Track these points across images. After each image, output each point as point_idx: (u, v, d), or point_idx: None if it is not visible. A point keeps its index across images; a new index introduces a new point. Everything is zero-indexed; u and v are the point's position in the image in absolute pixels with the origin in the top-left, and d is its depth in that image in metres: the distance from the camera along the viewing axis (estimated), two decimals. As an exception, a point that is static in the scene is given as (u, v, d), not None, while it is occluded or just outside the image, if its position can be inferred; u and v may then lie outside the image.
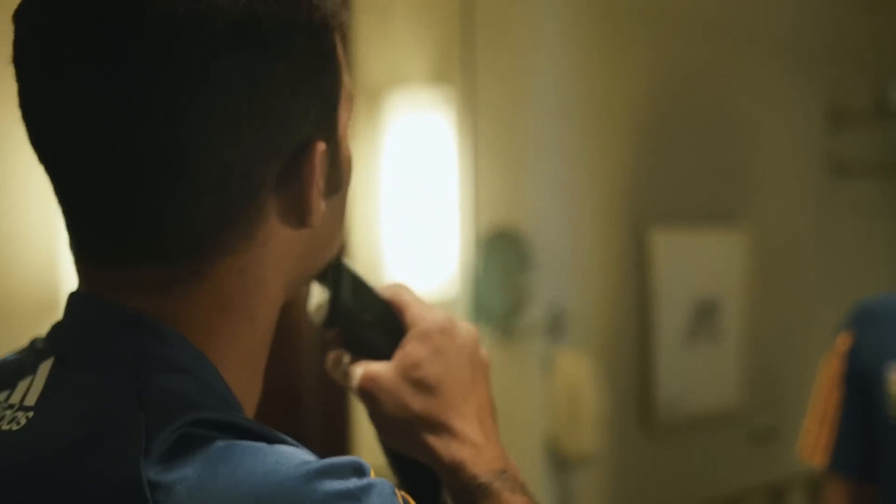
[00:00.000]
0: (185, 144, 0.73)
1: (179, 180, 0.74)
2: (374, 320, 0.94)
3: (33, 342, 0.83)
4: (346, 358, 0.95)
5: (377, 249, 2.45)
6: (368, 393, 0.92)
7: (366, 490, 0.70)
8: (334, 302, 0.91)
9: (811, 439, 2.15)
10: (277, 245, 0.79)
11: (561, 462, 2.84)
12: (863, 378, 2.04)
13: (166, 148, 0.73)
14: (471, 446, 0.90)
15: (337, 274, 0.91)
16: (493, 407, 0.96)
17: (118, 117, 0.73)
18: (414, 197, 2.47)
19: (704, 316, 3.26)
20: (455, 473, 0.90)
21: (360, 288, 0.94)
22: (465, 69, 2.43)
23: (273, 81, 0.75)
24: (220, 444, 0.70)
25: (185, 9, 0.72)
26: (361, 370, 0.93)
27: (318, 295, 0.91)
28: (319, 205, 0.79)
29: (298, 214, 0.79)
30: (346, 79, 0.83)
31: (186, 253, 0.77)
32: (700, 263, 3.28)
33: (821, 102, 3.63)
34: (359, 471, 0.71)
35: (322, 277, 0.91)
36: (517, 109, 2.78)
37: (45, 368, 0.78)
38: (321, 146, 0.78)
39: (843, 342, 2.09)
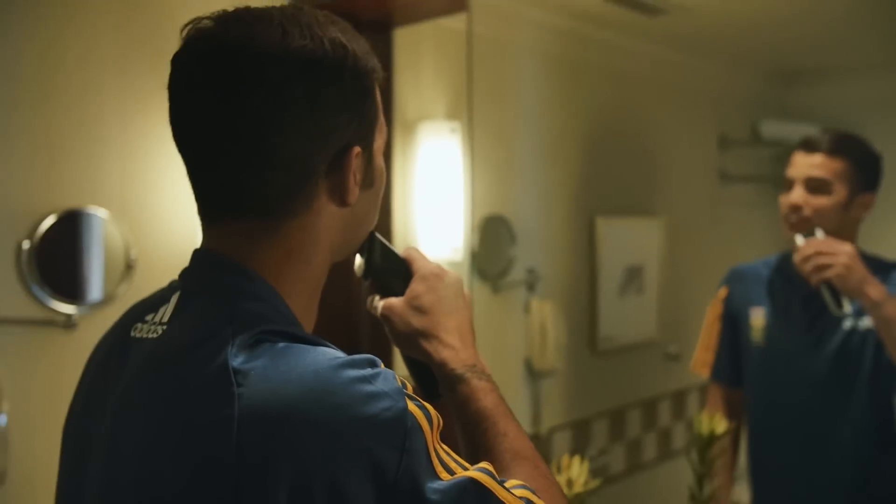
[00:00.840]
0: (268, 143, 0.77)
1: (264, 166, 0.77)
2: (395, 271, 0.95)
3: (171, 282, 0.86)
4: (377, 298, 0.96)
5: (411, 228, 2.44)
6: (386, 317, 0.93)
7: (376, 376, 0.72)
8: (368, 261, 0.93)
9: (700, 359, 2.17)
10: (327, 216, 0.82)
11: (534, 374, 2.83)
12: (735, 317, 2.06)
13: (257, 145, 0.77)
14: (451, 349, 0.90)
15: (371, 242, 0.92)
16: (471, 325, 0.95)
17: (228, 127, 0.77)
18: (435, 193, 2.46)
19: (632, 276, 3.25)
20: (441, 368, 0.90)
21: (386, 251, 0.94)
22: (469, 108, 2.44)
23: (327, 102, 0.78)
24: (281, 345, 0.73)
25: (269, 49, 0.76)
26: (383, 303, 0.94)
27: (358, 259, 0.93)
28: (355, 191, 0.82)
29: (340, 195, 0.82)
30: (380, 114, 0.86)
31: (266, 214, 0.80)
32: (630, 240, 3.26)
33: (713, 132, 3.61)
34: (372, 363, 0.74)
35: (361, 248, 0.92)
36: (504, 135, 2.76)
37: (174, 298, 0.81)
38: (357, 149, 0.81)
39: (721, 293, 2.12)
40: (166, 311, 0.81)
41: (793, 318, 1.93)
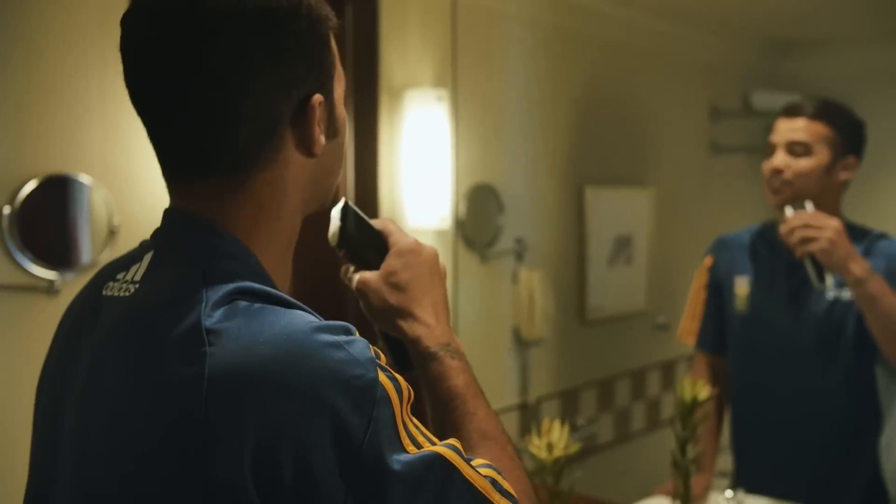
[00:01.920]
0: (229, 98, 0.76)
1: (228, 121, 0.76)
2: (369, 243, 0.93)
3: (143, 242, 0.85)
4: (351, 268, 0.94)
5: (398, 196, 2.44)
6: (362, 292, 0.92)
7: (349, 343, 0.72)
8: (342, 231, 0.91)
9: (685, 327, 2.17)
10: (294, 167, 0.81)
11: (522, 343, 2.84)
12: (719, 286, 2.06)
13: (219, 101, 0.76)
14: (425, 326, 0.89)
15: (345, 211, 0.91)
16: (446, 301, 0.94)
17: (186, 84, 0.76)
18: (421, 161, 2.45)
19: (622, 247, 3.25)
20: (415, 345, 0.89)
21: (360, 221, 0.93)
22: (454, 76, 2.43)
23: (286, 53, 0.77)
24: (256, 306, 0.72)
25: (223, 3, 0.75)
26: (357, 277, 0.92)
27: (333, 226, 0.91)
28: (321, 140, 0.81)
29: (307, 145, 0.81)
30: (337, 63, 0.85)
31: (233, 169, 0.79)
32: (619, 211, 3.25)
33: (704, 103, 3.59)
34: (347, 331, 0.73)
35: (336, 217, 0.91)
36: (492, 103, 2.75)
37: (147, 258, 0.81)
38: (319, 98, 0.80)
39: (707, 262, 2.12)
40: (138, 270, 0.80)
41: (777, 286, 1.93)
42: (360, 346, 0.72)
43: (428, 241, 2.72)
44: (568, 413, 2.99)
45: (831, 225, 1.68)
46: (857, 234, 1.82)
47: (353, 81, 2.25)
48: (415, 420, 0.75)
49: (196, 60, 0.75)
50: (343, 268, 0.97)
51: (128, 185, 1.89)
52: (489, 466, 0.78)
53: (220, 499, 0.67)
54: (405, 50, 2.45)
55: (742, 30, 3.54)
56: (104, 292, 0.83)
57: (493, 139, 2.75)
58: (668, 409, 3.45)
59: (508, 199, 2.77)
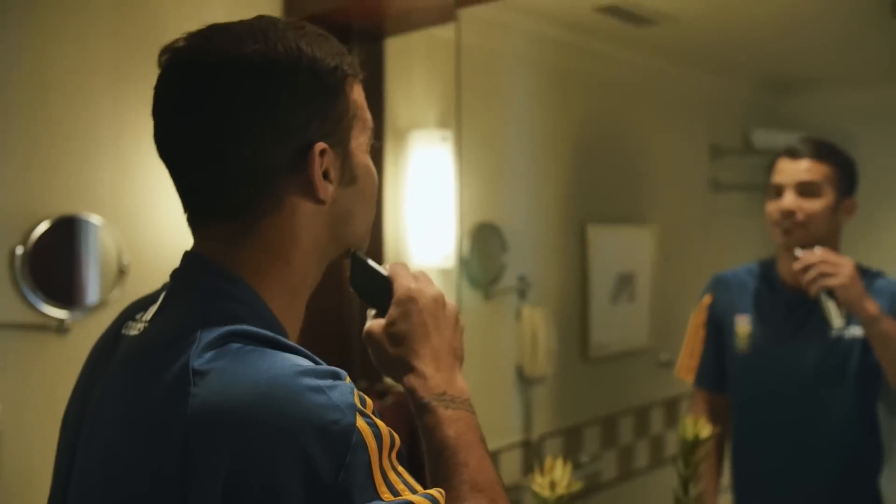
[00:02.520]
0: (222, 146, 0.80)
1: (223, 169, 0.81)
2: (378, 290, 0.94)
3: (166, 283, 0.88)
4: (371, 313, 0.96)
5: (403, 235, 2.47)
6: (366, 342, 0.93)
7: (332, 387, 0.73)
8: (352, 278, 0.94)
9: (684, 364, 2.18)
10: (303, 214, 0.84)
11: (525, 380, 2.84)
12: (719, 324, 2.08)
13: (212, 150, 0.80)
14: (421, 378, 0.89)
15: (353, 260, 0.93)
16: (452, 345, 0.93)
17: (187, 136, 0.81)
18: (426, 200, 2.48)
19: (624, 284, 3.26)
20: (411, 396, 0.89)
21: (366, 269, 0.94)
22: (458, 117, 2.46)
23: (280, 102, 0.80)
24: (248, 348, 0.74)
25: (221, 57, 0.80)
26: (365, 327, 0.94)
27: (348, 273, 0.94)
28: (326, 187, 0.84)
29: (312, 192, 0.83)
30: (360, 112, 0.88)
31: (241, 214, 0.82)
32: (621, 249, 3.27)
33: (705, 141, 3.62)
34: (335, 375, 0.75)
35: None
36: (496, 143, 2.79)
37: (161, 299, 0.84)
38: (322, 146, 0.82)
39: (705, 300, 2.14)
40: (152, 310, 0.84)
41: (778, 326, 1.95)
42: (342, 391, 0.73)
43: (432, 279, 2.74)
44: (571, 450, 2.98)
45: (847, 262, 1.71)
46: (863, 278, 1.85)
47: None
48: (399, 468, 0.75)
49: (200, 109, 0.80)
50: (367, 311, 0.98)
51: (137, 226, 1.93)
52: None
53: None
54: (410, 91, 2.50)
55: (742, 69, 3.59)
56: (123, 331, 0.86)
57: (497, 179, 2.79)
58: (671, 446, 3.44)
59: (511, 238, 2.80)
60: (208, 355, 0.73)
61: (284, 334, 0.83)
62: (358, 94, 0.88)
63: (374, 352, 0.93)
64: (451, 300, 0.96)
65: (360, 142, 0.89)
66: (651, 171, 3.40)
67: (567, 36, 2.90)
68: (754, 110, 3.82)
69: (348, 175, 0.87)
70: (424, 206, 2.48)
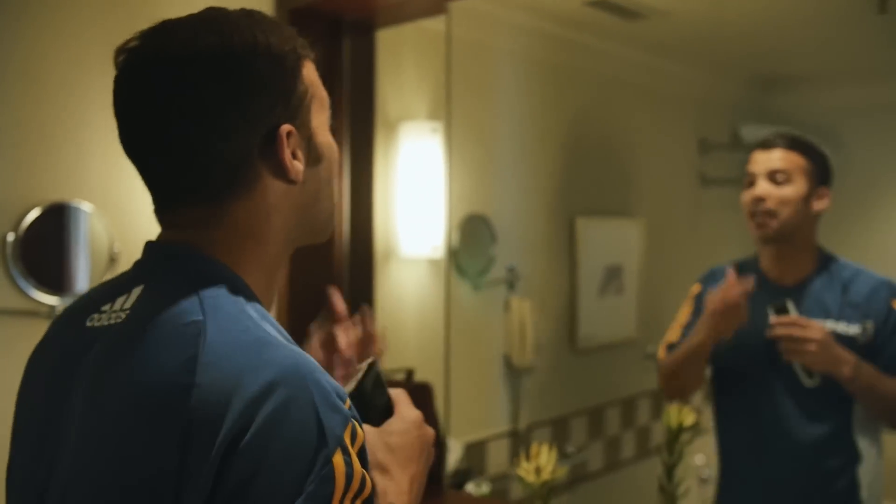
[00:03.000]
0: (191, 136, 0.82)
1: (199, 155, 0.83)
2: (378, 403, 0.96)
3: (120, 275, 0.90)
4: None
5: (392, 226, 2.49)
6: None
7: (332, 409, 0.75)
8: (360, 384, 0.94)
9: (663, 345, 2.19)
10: (274, 194, 0.86)
11: (513, 370, 2.87)
12: (700, 314, 2.09)
13: (182, 140, 0.83)
14: (397, 486, 0.89)
15: (370, 367, 0.95)
16: (423, 481, 0.95)
17: (159, 126, 0.83)
18: (416, 192, 2.50)
19: (612, 276, 3.29)
20: (382, 497, 0.88)
21: (378, 382, 0.96)
22: (448, 109, 2.48)
23: (242, 89, 0.83)
24: (258, 335, 0.77)
25: (179, 52, 0.82)
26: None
27: (356, 376, 0.95)
28: (297, 167, 0.86)
29: (282, 173, 0.86)
30: (317, 91, 0.90)
31: (213, 198, 0.84)
32: (610, 241, 3.31)
33: (694, 136, 3.66)
34: (340, 397, 0.77)
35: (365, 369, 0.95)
36: (486, 135, 2.81)
37: (136, 289, 0.84)
38: (287, 128, 0.85)
39: (694, 289, 2.16)
40: (127, 300, 0.84)
41: (762, 318, 1.96)
42: (340, 419, 0.74)
43: (421, 270, 2.77)
44: (558, 440, 3.01)
45: (815, 334, 1.76)
46: (831, 264, 1.92)
47: (350, 114, 2.31)
48: None
49: (165, 105, 0.82)
50: None
51: (128, 213, 1.94)
52: None
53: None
54: (400, 83, 2.51)
55: (731, 66, 3.62)
56: (88, 324, 0.86)
57: (487, 171, 2.80)
58: (657, 437, 3.47)
59: (501, 229, 2.82)
60: (217, 337, 0.75)
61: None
62: (313, 73, 0.90)
63: None
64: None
65: (320, 120, 0.91)
66: (640, 165, 3.42)
67: (557, 29, 2.92)
68: (743, 106, 3.86)
69: (314, 154, 0.90)
70: (414, 198, 2.49)
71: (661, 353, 2.17)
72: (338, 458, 0.72)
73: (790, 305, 1.83)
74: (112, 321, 0.83)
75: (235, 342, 0.75)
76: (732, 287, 1.88)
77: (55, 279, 1.83)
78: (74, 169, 1.88)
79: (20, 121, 1.81)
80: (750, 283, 1.88)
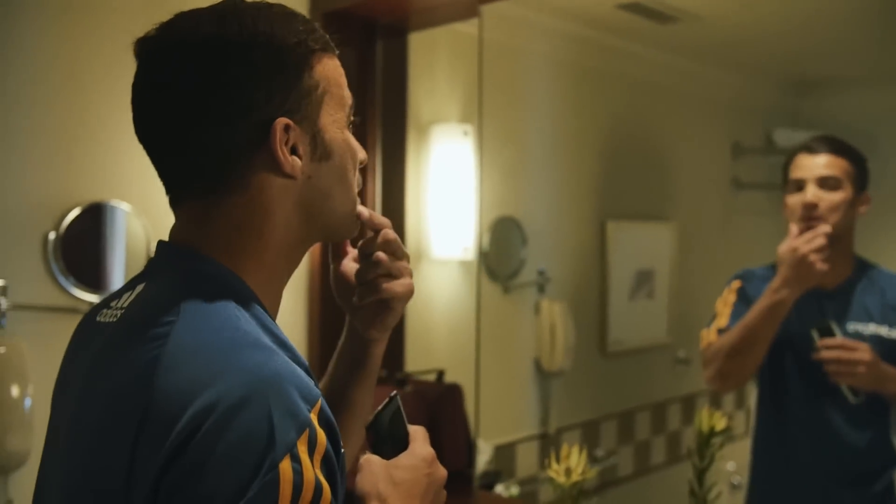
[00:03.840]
0: (181, 126, 0.83)
1: (190, 146, 0.83)
2: (394, 437, 0.92)
3: (140, 273, 0.91)
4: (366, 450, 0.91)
5: (424, 228, 2.51)
6: (361, 466, 0.86)
7: (287, 413, 0.72)
8: (378, 416, 0.90)
9: (711, 331, 2.15)
10: (273, 190, 0.84)
11: (543, 374, 2.87)
12: (749, 303, 2.07)
13: (172, 130, 0.83)
14: None
15: (390, 401, 0.91)
16: (408, 491, 0.88)
17: (153, 116, 0.85)
18: (447, 194, 2.51)
19: (643, 280, 3.28)
20: None
21: (398, 416, 0.92)
22: (479, 111, 2.49)
23: (235, 80, 0.81)
24: (226, 334, 0.76)
25: (178, 41, 0.83)
26: (365, 455, 0.88)
27: (375, 408, 0.92)
28: (291, 161, 0.83)
29: (278, 168, 0.83)
30: (332, 87, 0.88)
31: (210, 192, 0.83)
32: (641, 245, 3.29)
33: (727, 140, 3.63)
34: (307, 395, 0.74)
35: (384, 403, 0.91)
36: (517, 138, 2.81)
37: (140, 286, 0.85)
38: (283, 121, 0.82)
39: (735, 284, 2.13)
40: (128, 298, 0.85)
41: (801, 315, 1.95)
42: (292, 424, 0.71)
43: (452, 271, 2.77)
44: (588, 444, 3.00)
45: (864, 357, 1.76)
46: (868, 268, 1.92)
47: (382, 117, 2.33)
48: None
49: (160, 93, 0.83)
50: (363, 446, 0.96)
51: (165, 213, 1.93)
52: None
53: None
54: (433, 86, 2.53)
55: (764, 69, 3.59)
56: (98, 319, 0.87)
57: (518, 173, 2.81)
58: (688, 442, 3.45)
59: (531, 232, 2.82)
60: (183, 334, 0.75)
61: (265, 309, 0.84)
62: (329, 70, 0.88)
63: (363, 476, 0.87)
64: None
65: (334, 118, 0.88)
66: (672, 169, 3.41)
67: (589, 33, 2.92)
68: (776, 109, 3.82)
69: (321, 150, 0.87)
70: (445, 200, 2.51)
71: (711, 337, 2.12)
72: (285, 465, 0.69)
73: (834, 326, 1.83)
74: (111, 318, 0.84)
75: (202, 345, 0.74)
76: (798, 240, 1.83)
77: (94, 277, 1.87)
78: (113, 170, 1.91)
79: (61, 123, 1.85)
80: (820, 237, 1.81)
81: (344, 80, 0.90)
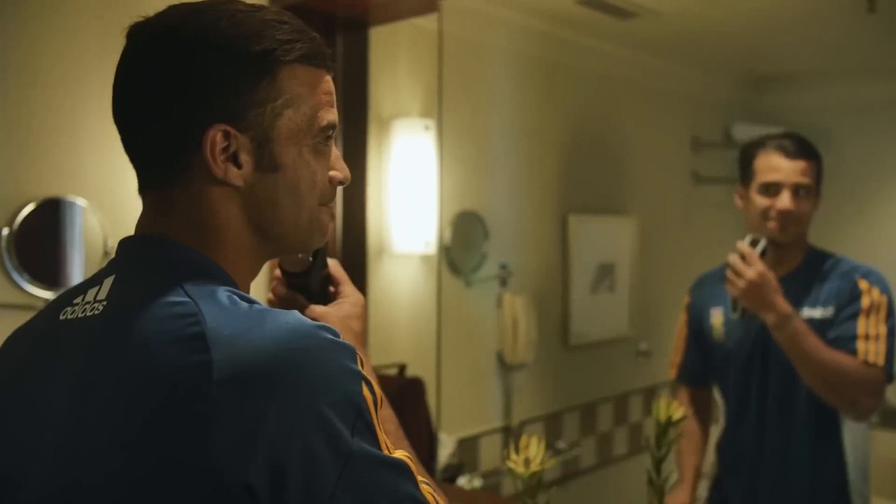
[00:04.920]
0: (129, 119, 0.85)
1: (144, 137, 0.85)
2: (324, 289, 1.04)
3: (94, 274, 0.89)
4: (299, 298, 1.03)
5: (385, 222, 2.51)
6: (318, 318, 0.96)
7: (343, 347, 0.78)
8: (309, 274, 1.01)
9: (671, 361, 2.23)
10: (214, 193, 0.84)
11: (506, 367, 2.89)
12: (698, 320, 2.12)
13: (123, 122, 0.86)
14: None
15: (315, 258, 1.01)
16: (364, 338, 1.03)
17: (117, 106, 0.86)
18: (408, 189, 2.51)
19: (604, 274, 3.31)
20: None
21: (325, 270, 1.04)
22: (439, 106, 2.50)
23: (180, 80, 0.82)
24: (250, 306, 0.78)
25: (143, 34, 0.85)
26: (312, 309, 1.01)
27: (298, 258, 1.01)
28: (225, 167, 0.83)
29: (210, 172, 0.83)
30: (300, 103, 0.86)
31: (164, 184, 0.85)
32: (602, 239, 3.32)
33: (686, 134, 3.69)
34: (336, 334, 0.79)
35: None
36: (478, 133, 2.82)
37: (108, 280, 0.83)
38: (221, 126, 0.82)
39: (685, 300, 2.19)
40: (100, 291, 0.83)
41: (748, 314, 1.99)
42: (349, 352, 0.77)
43: (414, 266, 2.78)
44: (551, 436, 3.03)
45: (748, 275, 1.79)
46: (817, 257, 1.95)
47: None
48: (380, 425, 0.79)
49: (124, 77, 0.85)
50: (284, 289, 1.04)
51: (122, 209, 1.95)
52: (426, 483, 0.82)
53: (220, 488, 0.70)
54: (394, 81, 2.53)
55: (723, 64, 3.64)
56: (62, 317, 0.85)
57: (479, 168, 2.82)
58: (649, 433, 3.48)
59: (493, 226, 2.83)
60: (212, 317, 0.75)
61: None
62: (302, 84, 0.86)
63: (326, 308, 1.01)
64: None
65: (293, 133, 0.86)
66: (632, 163, 3.44)
67: (549, 27, 2.93)
68: (735, 104, 3.88)
69: (267, 161, 0.85)
70: (407, 194, 2.51)
71: (672, 373, 2.21)
72: (365, 390, 0.76)
73: (763, 242, 1.86)
74: (89, 313, 0.82)
75: (232, 315, 0.75)
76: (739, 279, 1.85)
77: (49, 273, 1.85)
78: (69, 164, 1.89)
79: (15, 116, 1.82)
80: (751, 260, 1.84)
81: (326, 98, 0.88)
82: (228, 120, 0.82)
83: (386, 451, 0.76)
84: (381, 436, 0.77)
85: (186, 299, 0.76)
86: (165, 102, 0.82)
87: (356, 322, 1.00)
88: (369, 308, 2.42)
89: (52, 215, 1.85)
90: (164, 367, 0.73)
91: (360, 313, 1.02)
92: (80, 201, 1.88)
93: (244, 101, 0.82)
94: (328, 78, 0.89)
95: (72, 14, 1.89)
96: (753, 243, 1.86)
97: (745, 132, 3.62)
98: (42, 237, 1.84)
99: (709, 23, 2.95)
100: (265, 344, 0.73)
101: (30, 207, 1.81)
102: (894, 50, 3.08)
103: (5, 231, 1.78)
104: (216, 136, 0.81)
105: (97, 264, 1.89)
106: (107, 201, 1.93)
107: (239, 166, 0.83)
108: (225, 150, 0.82)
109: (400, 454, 0.78)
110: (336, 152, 0.94)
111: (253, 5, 0.86)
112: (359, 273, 2.40)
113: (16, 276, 1.79)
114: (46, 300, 1.82)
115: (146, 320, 0.76)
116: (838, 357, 1.78)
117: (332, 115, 0.89)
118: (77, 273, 1.88)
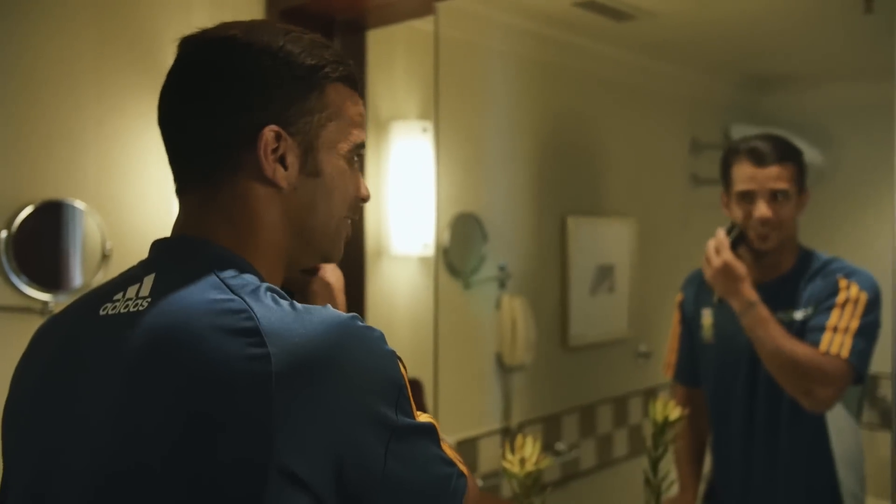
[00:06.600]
0: (180, 118, 0.89)
1: (191, 135, 0.89)
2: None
3: (127, 270, 0.92)
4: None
5: (384, 224, 2.52)
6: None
7: (378, 334, 0.85)
8: None
9: (666, 360, 2.24)
10: (259, 192, 0.89)
11: (505, 368, 2.89)
12: (690, 319, 2.14)
13: (175, 122, 0.90)
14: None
15: None
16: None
17: (167, 104, 0.91)
18: (406, 191, 2.52)
19: (603, 275, 3.31)
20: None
21: None
22: (436, 108, 2.50)
23: (234, 82, 0.88)
24: (298, 305, 0.82)
25: (198, 42, 0.91)
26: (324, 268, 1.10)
27: None
28: (275, 167, 0.88)
29: (260, 172, 0.88)
30: (341, 118, 0.92)
31: (208, 183, 0.89)
32: (601, 241, 3.32)
33: (685, 136, 3.67)
34: (370, 328, 0.85)
35: None
36: (477, 135, 2.83)
37: (149, 278, 0.85)
38: (273, 127, 0.87)
39: (678, 298, 2.20)
40: (141, 288, 0.85)
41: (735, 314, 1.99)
42: (382, 336, 0.84)
43: (412, 268, 2.78)
44: (550, 438, 3.03)
45: (714, 263, 1.85)
46: (809, 259, 1.95)
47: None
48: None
49: (174, 79, 0.90)
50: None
51: (121, 211, 1.97)
52: (443, 440, 0.89)
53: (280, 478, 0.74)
54: (391, 83, 2.54)
55: (721, 66, 3.64)
56: (102, 312, 0.86)
57: (477, 169, 2.83)
58: (649, 435, 3.48)
59: (492, 228, 2.84)
60: (262, 313, 0.78)
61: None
62: (344, 102, 0.93)
63: (326, 269, 1.10)
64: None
65: (334, 144, 0.92)
66: (631, 165, 3.44)
67: (546, 30, 2.94)
68: (734, 106, 3.87)
69: (311, 166, 0.91)
70: (405, 196, 2.52)
71: (668, 373, 2.22)
72: (400, 366, 0.84)
73: (736, 230, 1.90)
74: (132, 308, 0.83)
75: (278, 311, 0.79)
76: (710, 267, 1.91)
77: (48, 276, 1.86)
78: (68, 167, 1.90)
79: (14, 119, 1.83)
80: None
81: (359, 119, 0.95)
82: (281, 123, 0.88)
83: (418, 418, 0.84)
84: (413, 403, 0.84)
85: (234, 297, 0.79)
86: (225, 102, 0.87)
87: (334, 279, 1.09)
88: (368, 310, 2.43)
89: (50, 218, 1.86)
90: (223, 359, 0.75)
91: (336, 277, 1.09)
92: (79, 204, 1.90)
93: (296, 108, 0.88)
94: (361, 101, 0.97)
95: (69, 18, 1.90)
96: (730, 231, 1.89)
97: (742, 133, 3.60)
98: (40, 240, 1.85)
99: (706, 24, 2.96)
100: (315, 336, 0.77)
101: (28, 210, 1.82)
102: (892, 50, 3.09)
103: (4, 233, 1.79)
104: (269, 136, 0.87)
105: (95, 267, 1.91)
106: (105, 204, 1.94)
107: (285, 168, 0.88)
108: (275, 150, 0.88)
109: (425, 417, 0.86)
110: (359, 173, 0.99)
111: (299, 29, 0.93)
112: (357, 275, 2.41)
113: (14, 279, 1.80)
114: (45, 303, 1.83)
115: (198, 315, 0.79)
116: (796, 346, 1.78)
117: (363, 135, 0.96)
118: (76, 276, 1.89)
